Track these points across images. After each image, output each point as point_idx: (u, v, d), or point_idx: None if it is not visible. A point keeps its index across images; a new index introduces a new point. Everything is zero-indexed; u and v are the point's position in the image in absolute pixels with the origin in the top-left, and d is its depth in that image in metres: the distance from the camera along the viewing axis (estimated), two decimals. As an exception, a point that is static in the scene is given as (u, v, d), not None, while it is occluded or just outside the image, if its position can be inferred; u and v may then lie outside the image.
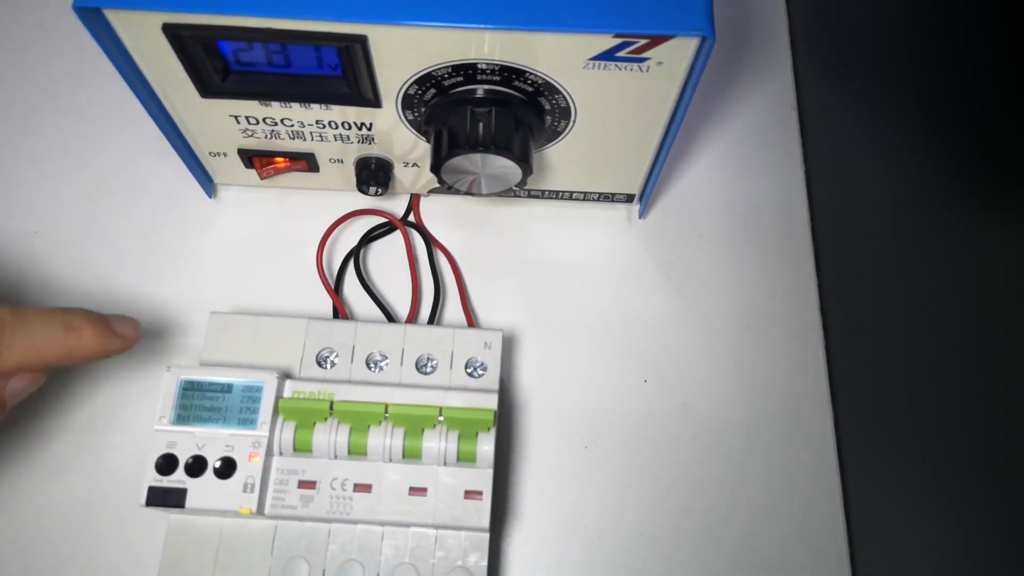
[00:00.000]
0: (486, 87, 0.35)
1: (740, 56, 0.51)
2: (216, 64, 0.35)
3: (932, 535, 0.35)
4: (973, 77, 0.34)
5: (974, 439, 0.32)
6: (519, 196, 0.45)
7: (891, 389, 0.39)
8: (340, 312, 0.42)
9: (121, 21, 0.33)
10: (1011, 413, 0.30)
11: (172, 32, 0.33)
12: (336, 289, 0.43)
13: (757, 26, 0.52)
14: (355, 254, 0.44)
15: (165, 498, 0.34)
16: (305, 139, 0.40)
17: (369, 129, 0.39)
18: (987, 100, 0.33)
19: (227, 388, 0.35)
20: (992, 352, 0.32)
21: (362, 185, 0.42)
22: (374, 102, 0.37)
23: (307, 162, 0.42)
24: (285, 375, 0.36)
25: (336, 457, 0.35)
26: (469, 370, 0.38)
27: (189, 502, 0.34)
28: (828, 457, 0.42)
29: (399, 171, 0.43)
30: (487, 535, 0.35)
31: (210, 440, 0.34)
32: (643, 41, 0.32)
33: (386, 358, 0.38)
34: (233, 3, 0.31)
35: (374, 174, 0.42)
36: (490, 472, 0.35)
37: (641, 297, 0.44)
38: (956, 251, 0.34)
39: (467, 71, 0.34)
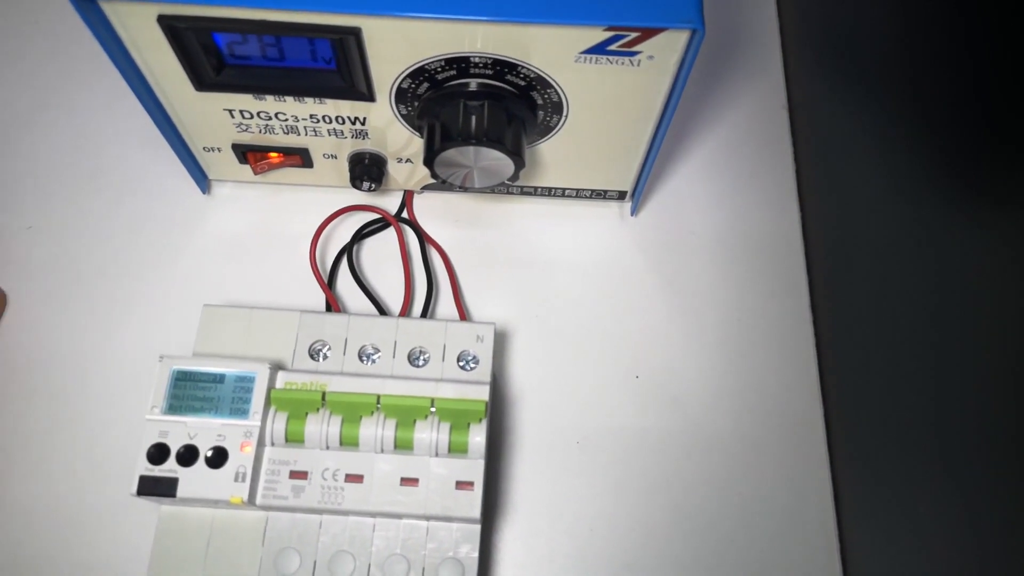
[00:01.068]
0: (479, 81, 0.36)
1: (731, 54, 0.51)
2: (211, 57, 0.35)
3: (921, 530, 0.35)
4: (966, 69, 0.34)
5: (965, 435, 0.32)
6: (512, 193, 0.46)
7: (882, 385, 0.39)
8: (333, 307, 0.42)
9: (117, 12, 0.33)
10: (1003, 413, 0.30)
11: (167, 23, 0.33)
12: (329, 284, 0.43)
13: (748, 24, 0.52)
14: (348, 250, 0.44)
15: (156, 487, 0.34)
16: (299, 134, 0.40)
17: (363, 124, 0.39)
18: (982, 92, 0.33)
19: (219, 378, 0.35)
20: (985, 348, 0.32)
21: (355, 180, 0.42)
22: (368, 96, 0.37)
23: (301, 157, 0.42)
24: (278, 367, 0.36)
25: (328, 448, 0.35)
26: (461, 363, 0.38)
27: (180, 491, 0.34)
28: (819, 453, 0.42)
29: (393, 168, 0.43)
30: (478, 526, 0.35)
31: (202, 430, 0.34)
32: (634, 34, 0.33)
33: (378, 351, 0.38)
34: (228, -5, 0.32)
35: (367, 169, 0.42)
36: (482, 463, 0.35)
37: (633, 294, 0.44)
38: (946, 246, 0.35)
39: (460, 64, 0.35)
